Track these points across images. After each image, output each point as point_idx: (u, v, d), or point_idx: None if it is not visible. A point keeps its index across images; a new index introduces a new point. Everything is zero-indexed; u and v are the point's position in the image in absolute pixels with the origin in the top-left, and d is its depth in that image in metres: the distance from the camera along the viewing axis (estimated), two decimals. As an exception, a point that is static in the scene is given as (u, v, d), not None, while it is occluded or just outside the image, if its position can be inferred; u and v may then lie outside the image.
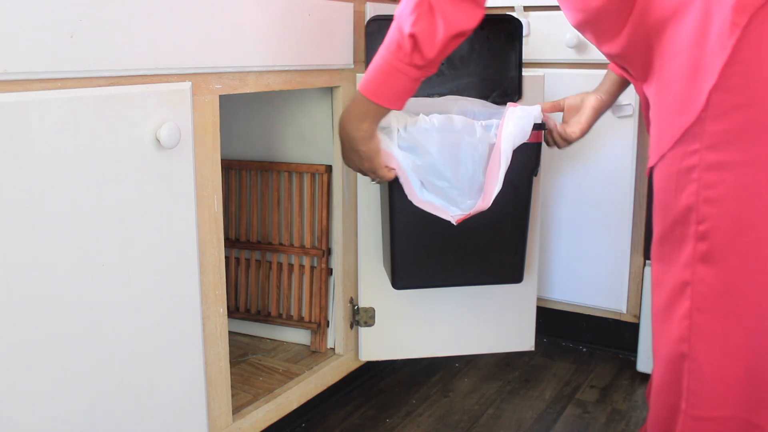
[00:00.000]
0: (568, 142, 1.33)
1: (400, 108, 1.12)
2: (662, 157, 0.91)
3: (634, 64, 1.00)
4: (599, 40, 1.04)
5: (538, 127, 1.35)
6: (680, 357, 0.93)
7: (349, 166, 1.24)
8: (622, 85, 1.31)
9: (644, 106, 1.05)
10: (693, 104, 0.86)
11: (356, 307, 1.52)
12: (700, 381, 0.92)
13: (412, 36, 1.03)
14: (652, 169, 0.95)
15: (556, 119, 1.34)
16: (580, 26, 1.05)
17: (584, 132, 1.32)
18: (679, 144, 0.88)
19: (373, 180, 1.25)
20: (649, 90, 0.98)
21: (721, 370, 0.91)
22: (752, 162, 0.84)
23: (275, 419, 1.35)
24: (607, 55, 1.06)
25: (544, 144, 1.37)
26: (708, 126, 0.85)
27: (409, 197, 1.25)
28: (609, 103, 1.32)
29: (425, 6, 1.02)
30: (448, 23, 1.02)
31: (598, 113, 1.32)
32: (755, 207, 0.85)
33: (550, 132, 1.33)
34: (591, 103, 1.31)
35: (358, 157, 1.19)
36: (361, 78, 1.40)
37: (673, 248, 0.92)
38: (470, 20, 1.03)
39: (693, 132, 0.87)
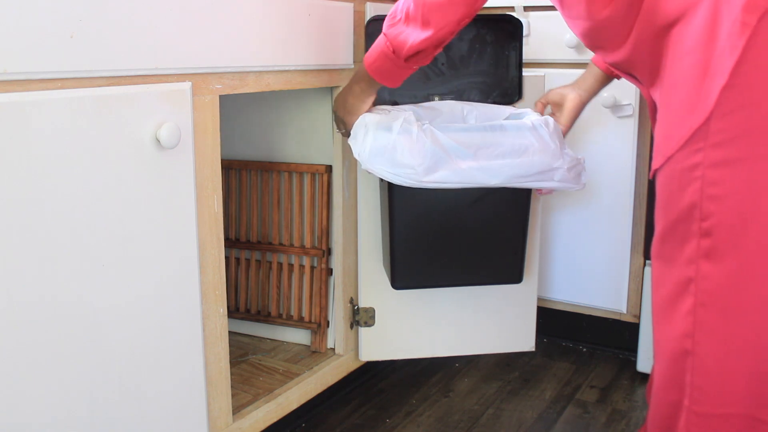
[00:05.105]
0: None
1: (396, 86, 1.21)
2: (669, 158, 0.91)
3: (640, 70, 1.00)
4: (605, 49, 1.04)
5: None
6: (683, 353, 0.93)
7: (335, 112, 1.34)
8: (605, 81, 1.35)
9: (651, 110, 1.05)
10: (703, 104, 0.86)
11: (356, 307, 1.52)
12: (704, 377, 0.92)
13: (386, 36, 1.14)
14: (656, 171, 0.95)
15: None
16: (585, 35, 1.05)
17: (565, 132, 1.36)
18: (687, 144, 0.88)
19: (339, 131, 1.38)
20: (656, 93, 0.98)
21: (725, 366, 0.91)
22: (756, 159, 0.84)
23: (275, 419, 1.35)
24: (613, 64, 1.05)
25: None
26: (713, 124, 0.85)
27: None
28: (588, 100, 1.37)
29: (403, 14, 1.12)
30: (408, 39, 1.12)
31: (578, 112, 1.37)
32: (759, 203, 0.86)
33: None
34: (571, 103, 1.36)
35: (345, 111, 1.30)
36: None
37: (676, 246, 0.93)
38: (421, 39, 1.11)
39: (700, 131, 0.87)
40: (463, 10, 1.07)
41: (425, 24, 1.09)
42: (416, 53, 1.13)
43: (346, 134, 1.34)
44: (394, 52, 1.14)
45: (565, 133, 1.35)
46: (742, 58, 0.83)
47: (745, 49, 0.82)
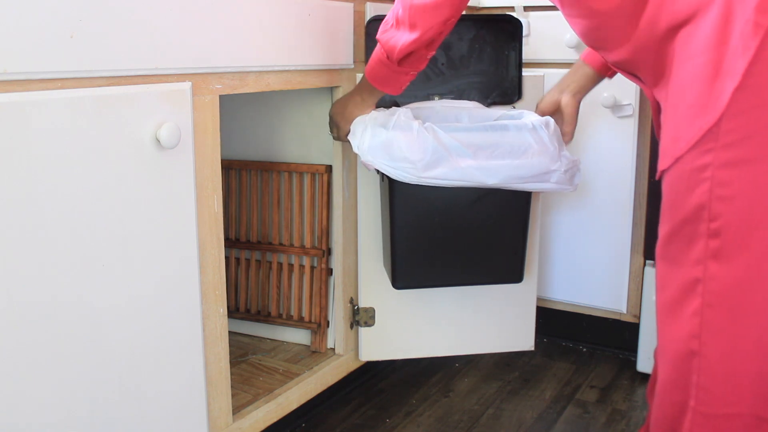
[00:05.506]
0: None
1: (397, 93, 1.26)
2: (678, 159, 0.90)
3: (644, 70, 1.00)
4: (605, 48, 1.03)
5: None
6: (689, 354, 0.93)
7: (332, 116, 1.38)
8: (597, 80, 1.33)
9: (654, 110, 1.05)
10: (714, 105, 0.86)
11: (356, 307, 1.52)
12: (711, 377, 0.92)
13: (380, 41, 1.18)
14: (663, 173, 0.95)
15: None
16: (585, 34, 1.05)
17: (570, 139, 1.35)
18: (697, 145, 0.88)
19: (331, 134, 1.43)
20: (661, 94, 0.98)
21: (731, 367, 0.91)
22: (766, 159, 0.84)
23: (275, 419, 1.35)
24: (615, 64, 1.05)
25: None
26: (724, 125, 0.85)
27: None
28: (581, 99, 1.36)
29: (394, 19, 1.16)
30: (398, 42, 1.15)
31: (577, 113, 1.35)
32: None
33: None
34: (570, 108, 1.34)
35: (342, 117, 1.34)
36: (361, 77, 1.41)
37: (682, 247, 0.92)
38: (409, 41, 1.14)
39: (711, 132, 0.87)
40: (449, 11, 1.11)
41: (412, 26, 1.12)
42: (407, 55, 1.16)
43: (338, 138, 1.39)
44: (388, 57, 1.18)
45: (569, 140, 1.35)
46: (755, 58, 0.82)
47: (759, 49, 0.82)
